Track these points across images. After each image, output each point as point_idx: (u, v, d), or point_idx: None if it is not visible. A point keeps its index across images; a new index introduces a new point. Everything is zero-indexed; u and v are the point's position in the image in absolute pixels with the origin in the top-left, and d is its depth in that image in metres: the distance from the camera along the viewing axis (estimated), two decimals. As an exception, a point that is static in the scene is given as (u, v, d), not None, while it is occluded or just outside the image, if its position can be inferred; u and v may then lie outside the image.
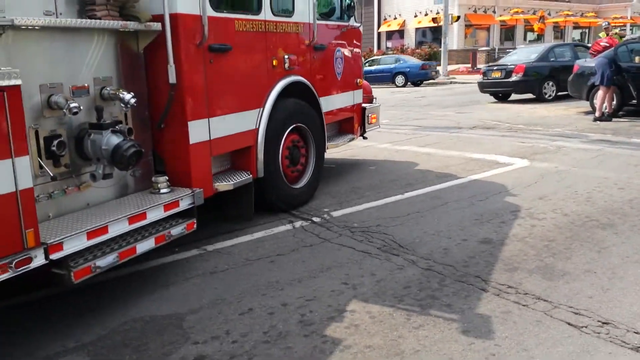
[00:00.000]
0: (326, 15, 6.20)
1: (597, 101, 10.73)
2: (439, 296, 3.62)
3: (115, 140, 3.52)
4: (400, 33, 39.27)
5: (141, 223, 3.64)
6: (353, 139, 6.96)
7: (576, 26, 43.77)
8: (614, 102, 10.60)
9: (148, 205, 3.74)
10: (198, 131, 4.31)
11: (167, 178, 4.05)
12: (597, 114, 10.56)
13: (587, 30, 45.04)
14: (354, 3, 6.58)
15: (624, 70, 10.45)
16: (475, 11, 37.04)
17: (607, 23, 13.75)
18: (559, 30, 41.94)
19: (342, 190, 6.32)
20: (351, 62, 6.80)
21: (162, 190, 4.01)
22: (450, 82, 24.22)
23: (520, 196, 5.81)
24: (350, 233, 4.90)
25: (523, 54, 16.09)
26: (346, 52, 6.64)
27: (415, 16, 37.90)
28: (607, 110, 10.48)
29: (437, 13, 30.18)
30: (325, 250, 4.54)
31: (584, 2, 45.66)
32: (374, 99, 7.63)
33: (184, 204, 4.01)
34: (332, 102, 6.37)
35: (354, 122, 6.94)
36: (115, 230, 3.45)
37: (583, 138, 8.92)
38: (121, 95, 3.66)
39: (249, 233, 4.96)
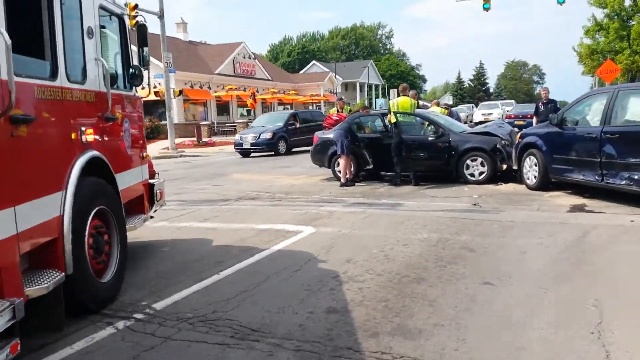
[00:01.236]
0: (112, 84, 5.60)
1: (340, 169, 12.03)
2: (329, 377, 3.45)
3: None
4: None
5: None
6: (147, 219, 6.32)
7: (280, 102, 48.90)
8: (352, 169, 12.01)
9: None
10: (4, 223, 3.35)
11: (-26, 289, 3.00)
12: (342, 180, 11.80)
13: (289, 106, 50.80)
14: (139, 72, 6.13)
15: (359, 140, 12.01)
16: (191, 86, 38.20)
17: (340, 98, 15.68)
18: (267, 106, 46.17)
19: (148, 278, 5.61)
20: (137, 134, 6.25)
21: (-31, 306, 2.96)
22: (180, 156, 24.12)
23: (329, 262, 6.02)
24: (189, 325, 4.34)
25: None
26: (133, 124, 6.08)
27: (132, 88, 37.05)
28: (348, 177, 11.80)
29: (155, 87, 30.14)
30: (173, 350, 3.92)
31: (285, 82, 51.50)
32: (157, 174, 7.09)
33: (3, 321, 3.02)
34: (126, 179, 5.70)
35: (144, 201, 6.31)
36: None
37: (342, 202, 9.80)
38: None
39: (66, 345, 3.98)
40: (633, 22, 38.74)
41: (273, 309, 4.64)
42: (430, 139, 11.68)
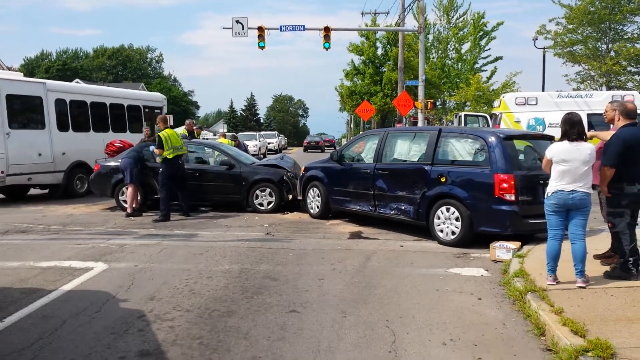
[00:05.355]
0: None
1: (127, 198, 11.40)
2: None
3: None
4: None
5: None
6: None
7: None
8: (139, 198, 11.49)
9: None
10: None
11: None
12: (129, 210, 11.17)
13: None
14: None
15: (147, 169, 11.56)
16: None
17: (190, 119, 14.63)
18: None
19: None
20: None
21: None
22: None
23: (132, 300, 5.70)
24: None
25: None
26: None
27: None
28: (135, 206, 11.24)
29: None
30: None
31: None
32: None
33: None
34: None
35: None
36: None
37: (133, 234, 9.31)
38: None
39: None
40: (384, 69, 44.53)
41: (78, 357, 4.24)
42: (222, 170, 11.87)
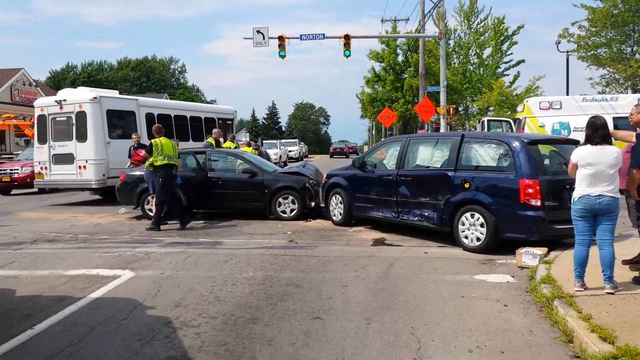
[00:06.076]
0: None
1: (150, 207, 11.56)
2: None
3: None
4: None
5: None
6: None
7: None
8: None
9: None
10: None
11: None
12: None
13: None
14: None
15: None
16: (-43, 113, 33.05)
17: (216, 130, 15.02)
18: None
19: (-58, 341, 4.75)
20: None
21: None
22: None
23: (158, 307, 5.77)
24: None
25: None
26: None
27: None
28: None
29: None
30: None
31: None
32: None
33: None
34: None
35: None
36: None
37: (159, 242, 9.43)
38: None
39: None
40: (405, 76, 44.43)
41: (107, 365, 4.31)
42: (245, 178, 11.99)
